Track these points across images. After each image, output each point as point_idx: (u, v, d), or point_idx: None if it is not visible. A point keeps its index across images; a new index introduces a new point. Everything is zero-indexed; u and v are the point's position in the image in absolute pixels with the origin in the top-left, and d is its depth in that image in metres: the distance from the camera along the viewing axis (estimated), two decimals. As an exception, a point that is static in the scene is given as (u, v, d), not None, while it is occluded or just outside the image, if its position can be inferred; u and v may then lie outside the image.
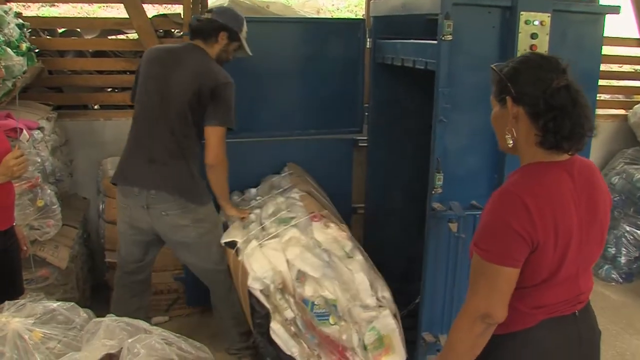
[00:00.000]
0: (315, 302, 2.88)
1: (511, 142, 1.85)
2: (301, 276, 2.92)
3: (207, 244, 3.31)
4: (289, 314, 2.88)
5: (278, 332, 2.86)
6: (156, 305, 4.14)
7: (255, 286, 2.91)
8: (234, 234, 3.26)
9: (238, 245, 3.16)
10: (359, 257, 2.97)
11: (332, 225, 3.02)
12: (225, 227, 3.41)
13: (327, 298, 2.87)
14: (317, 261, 2.92)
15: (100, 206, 4.22)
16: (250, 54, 3.36)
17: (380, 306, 2.94)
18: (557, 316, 1.85)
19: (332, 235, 3.00)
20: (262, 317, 2.92)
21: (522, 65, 1.83)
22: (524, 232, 1.70)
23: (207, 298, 3.54)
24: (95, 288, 4.35)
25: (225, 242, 3.26)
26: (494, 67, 1.89)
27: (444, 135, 2.96)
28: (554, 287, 1.81)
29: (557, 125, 1.73)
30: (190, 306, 4.14)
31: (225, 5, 4.03)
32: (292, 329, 2.89)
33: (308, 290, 2.88)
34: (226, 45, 3.28)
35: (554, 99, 1.73)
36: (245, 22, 3.32)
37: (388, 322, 2.91)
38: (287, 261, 2.92)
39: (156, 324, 3.30)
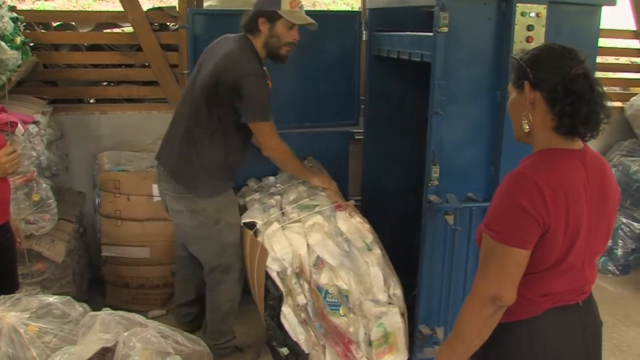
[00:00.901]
0: (329, 291, 2.91)
1: (527, 127, 1.86)
2: (319, 262, 2.96)
3: (204, 238, 3.30)
4: (301, 299, 2.94)
5: (288, 316, 2.92)
6: (153, 299, 4.15)
7: (273, 267, 2.95)
8: (253, 215, 3.29)
9: (257, 226, 3.18)
10: (377, 251, 3.00)
11: (356, 215, 3.05)
12: (244, 210, 3.44)
13: (340, 288, 2.90)
14: (337, 249, 2.95)
15: (97, 200, 4.21)
16: (309, 21, 3.23)
17: (390, 303, 2.97)
18: (561, 305, 1.85)
19: (356, 225, 3.03)
20: (275, 299, 2.96)
21: (543, 53, 1.85)
22: (536, 214, 1.71)
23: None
24: (92, 282, 4.35)
25: (244, 223, 3.28)
26: (514, 56, 1.91)
27: (440, 127, 2.96)
28: (561, 275, 1.81)
29: (574, 110, 1.75)
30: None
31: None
32: (302, 315, 2.94)
33: (324, 278, 2.92)
34: (271, 30, 3.17)
35: (573, 84, 1.75)
36: None
37: (396, 320, 2.95)
38: (308, 246, 2.95)
39: (153, 318, 3.31)
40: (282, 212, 3.25)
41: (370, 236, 3.03)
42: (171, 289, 4.10)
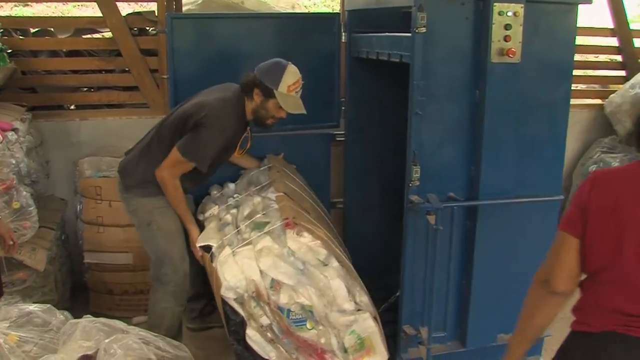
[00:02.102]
0: (292, 309, 2.85)
1: None
2: (275, 284, 2.88)
3: (143, 239, 3.45)
4: (264, 320, 2.85)
5: (254, 338, 2.83)
6: (137, 305, 4.13)
7: (228, 295, 2.87)
8: (210, 237, 3.24)
9: (213, 250, 3.14)
10: (335, 264, 2.93)
11: (305, 234, 2.96)
12: (202, 227, 3.38)
13: (303, 304, 2.85)
14: (291, 269, 2.88)
15: (78, 207, 4.19)
16: (299, 111, 3.25)
17: (359, 310, 2.93)
18: (629, 335, 1.81)
19: (306, 244, 2.94)
20: (237, 324, 2.88)
21: None
22: (581, 198, 1.85)
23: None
24: (75, 289, 4.32)
25: (200, 246, 3.24)
26: None
27: (420, 128, 2.96)
28: (616, 286, 1.82)
29: None
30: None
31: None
32: (269, 334, 2.86)
33: (283, 298, 2.85)
34: (263, 103, 3.23)
35: None
36: (289, 74, 3.18)
37: (368, 325, 2.91)
38: (261, 270, 2.88)
39: (137, 324, 3.29)
40: (238, 230, 3.19)
41: (323, 252, 2.95)
42: (154, 294, 4.09)
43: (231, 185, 3.73)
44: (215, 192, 3.76)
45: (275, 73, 3.17)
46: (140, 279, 4.09)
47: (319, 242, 2.96)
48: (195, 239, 3.28)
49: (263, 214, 3.22)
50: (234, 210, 3.40)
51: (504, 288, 3.30)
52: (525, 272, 3.32)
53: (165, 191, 3.26)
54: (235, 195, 3.59)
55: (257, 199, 3.39)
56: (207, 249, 3.19)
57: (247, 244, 3.00)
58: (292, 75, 3.18)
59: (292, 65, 3.20)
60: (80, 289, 4.29)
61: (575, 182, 5.21)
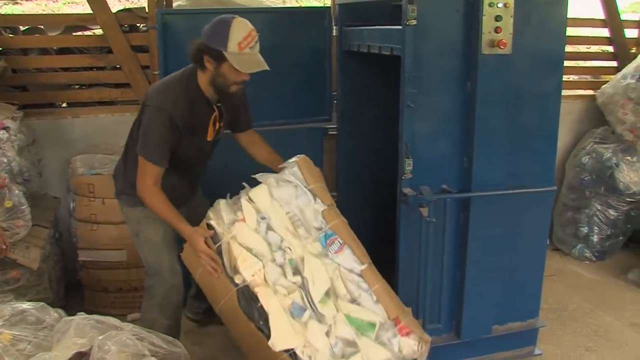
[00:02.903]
0: None
1: None
2: None
3: (136, 247, 3.30)
4: None
5: None
6: (132, 302, 4.12)
7: None
8: (286, 335, 2.57)
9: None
10: None
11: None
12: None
13: None
14: None
15: (71, 205, 4.17)
16: (260, 67, 2.85)
17: None
18: None
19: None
20: None
21: None
22: None
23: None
24: (70, 288, 4.31)
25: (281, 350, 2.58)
26: None
27: (412, 120, 2.96)
28: None
29: None
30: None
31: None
32: None
33: None
34: (217, 69, 2.83)
35: None
36: (235, 29, 2.74)
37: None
38: None
39: (132, 321, 3.28)
40: (327, 333, 2.60)
41: None
42: (149, 291, 4.09)
43: (273, 236, 2.81)
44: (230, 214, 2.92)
45: (220, 32, 2.75)
46: (135, 276, 4.07)
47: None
48: (197, 232, 2.85)
49: (357, 304, 2.67)
50: (294, 279, 2.69)
51: (499, 279, 3.32)
52: (520, 263, 3.38)
53: (150, 205, 2.95)
54: (283, 246, 2.75)
55: (329, 265, 2.71)
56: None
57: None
58: (240, 30, 2.76)
59: (239, 18, 2.79)
60: (74, 287, 4.28)
61: (568, 173, 5.22)
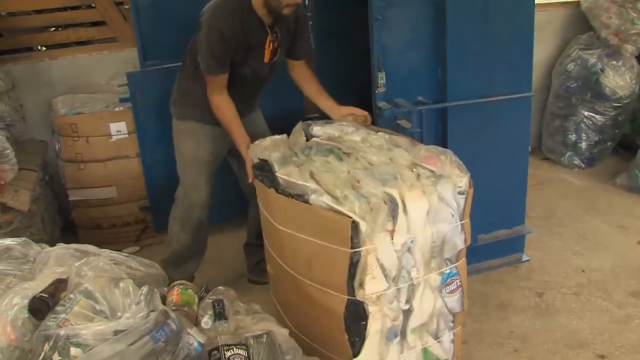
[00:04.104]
0: None
1: None
2: None
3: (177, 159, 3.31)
4: None
5: None
6: (126, 236, 4.19)
7: None
8: (371, 357, 2.36)
9: None
10: None
11: None
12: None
13: None
14: None
15: (57, 146, 4.20)
16: None
17: None
18: None
19: None
20: None
21: None
22: None
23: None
24: (65, 228, 4.37)
25: None
26: None
27: (382, 33, 2.94)
28: None
29: None
30: (160, 232, 4.14)
31: None
32: None
33: None
34: None
35: None
36: None
37: None
38: None
39: (127, 255, 3.34)
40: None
41: None
42: (142, 224, 4.15)
43: (408, 260, 2.34)
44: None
45: None
46: (127, 211, 4.14)
47: None
48: (244, 145, 2.93)
49: (437, 338, 2.52)
50: (405, 306, 2.36)
51: (481, 188, 3.31)
52: (502, 171, 3.39)
53: (220, 120, 3.04)
54: (412, 272, 2.36)
55: (438, 302, 2.47)
56: None
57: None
58: None
59: None
60: (70, 228, 4.33)
61: (554, 82, 5.19)
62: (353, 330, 2.27)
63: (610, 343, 2.97)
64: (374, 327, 2.29)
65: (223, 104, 3.00)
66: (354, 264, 2.17)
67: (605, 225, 4.12)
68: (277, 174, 2.39)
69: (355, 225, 2.10)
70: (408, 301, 2.34)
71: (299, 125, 2.83)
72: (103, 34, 4.52)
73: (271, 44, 3.02)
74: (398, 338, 2.37)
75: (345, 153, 2.53)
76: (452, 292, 2.46)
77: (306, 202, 2.22)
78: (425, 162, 2.45)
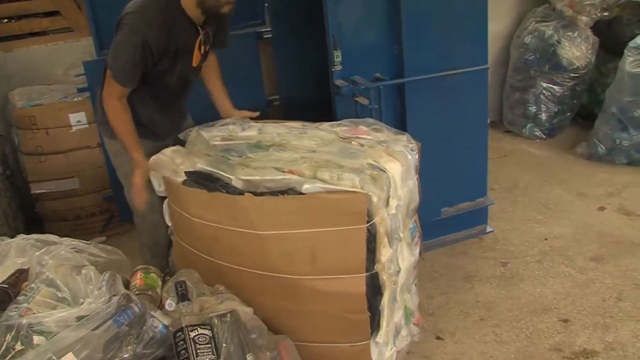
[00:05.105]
0: None
1: None
2: None
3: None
4: None
5: None
6: (91, 227, 4.16)
7: None
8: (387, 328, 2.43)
9: None
10: None
11: None
12: None
13: None
14: None
15: (16, 140, 4.14)
16: None
17: None
18: None
19: None
20: None
21: None
22: None
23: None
24: (30, 222, 4.30)
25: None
26: None
27: (336, 10, 2.95)
28: None
29: None
30: (125, 222, 4.12)
31: None
32: None
33: None
34: None
35: None
36: None
37: None
38: None
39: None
40: None
41: None
42: (107, 214, 4.12)
43: (396, 223, 2.44)
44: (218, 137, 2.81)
45: None
46: (91, 202, 4.11)
47: None
48: (140, 165, 2.66)
49: (410, 293, 2.66)
50: (397, 268, 2.45)
51: (443, 161, 3.36)
52: (462, 144, 3.43)
53: (109, 119, 2.69)
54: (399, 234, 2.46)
55: (413, 258, 2.62)
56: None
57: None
58: None
59: None
60: (34, 222, 4.28)
61: (512, 55, 5.23)
62: (374, 306, 2.31)
63: (573, 307, 3.04)
64: (386, 296, 2.35)
65: (123, 110, 2.65)
66: (371, 238, 2.21)
67: (566, 193, 4.19)
68: (238, 177, 2.33)
69: (368, 199, 2.15)
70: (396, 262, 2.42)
71: (195, 132, 2.75)
72: (58, 24, 4.46)
73: (202, 47, 2.76)
74: (397, 302, 2.47)
75: (271, 145, 2.56)
76: (416, 244, 2.60)
77: (285, 194, 2.20)
78: (357, 134, 2.61)
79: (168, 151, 2.66)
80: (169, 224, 2.77)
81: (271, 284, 2.35)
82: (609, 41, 4.96)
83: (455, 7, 3.18)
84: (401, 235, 2.42)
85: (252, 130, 2.80)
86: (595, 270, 3.31)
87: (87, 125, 3.97)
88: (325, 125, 2.75)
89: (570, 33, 4.90)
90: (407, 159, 2.46)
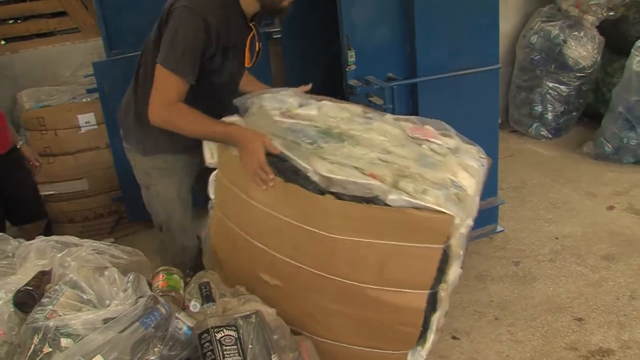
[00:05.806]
0: None
1: None
2: None
3: (144, 199, 2.74)
4: None
5: None
6: (100, 228, 4.16)
7: None
8: None
9: None
10: None
11: None
12: None
13: None
14: None
15: (24, 141, 4.12)
16: None
17: None
18: None
19: None
20: None
21: None
22: None
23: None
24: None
25: None
26: None
27: (350, 11, 2.95)
28: None
29: None
30: (134, 223, 4.13)
31: None
32: None
33: None
34: None
35: None
36: None
37: None
38: None
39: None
40: None
41: None
42: (116, 216, 4.11)
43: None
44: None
45: None
46: (99, 203, 4.11)
47: None
48: (248, 138, 2.25)
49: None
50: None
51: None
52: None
53: (173, 128, 2.34)
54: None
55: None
56: None
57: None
58: None
59: None
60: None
61: (518, 55, 5.24)
62: (427, 321, 2.28)
63: (587, 306, 3.05)
64: (439, 312, 2.30)
65: (188, 108, 2.31)
66: (445, 258, 2.15)
67: (575, 192, 4.20)
68: (317, 171, 2.15)
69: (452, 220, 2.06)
70: None
71: (257, 105, 2.50)
72: (65, 25, 4.46)
73: (256, 44, 2.54)
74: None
75: (341, 134, 2.39)
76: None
77: (371, 202, 2.08)
78: (426, 136, 2.47)
79: (227, 120, 2.43)
80: (212, 196, 2.55)
81: (328, 285, 2.25)
82: (615, 41, 4.99)
83: (467, 5, 3.18)
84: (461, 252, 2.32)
85: (312, 109, 2.56)
86: (607, 269, 3.31)
87: (96, 126, 3.96)
88: (389, 116, 2.60)
89: (576, 33, 4.91)
90: (480, 177, 2.36)
